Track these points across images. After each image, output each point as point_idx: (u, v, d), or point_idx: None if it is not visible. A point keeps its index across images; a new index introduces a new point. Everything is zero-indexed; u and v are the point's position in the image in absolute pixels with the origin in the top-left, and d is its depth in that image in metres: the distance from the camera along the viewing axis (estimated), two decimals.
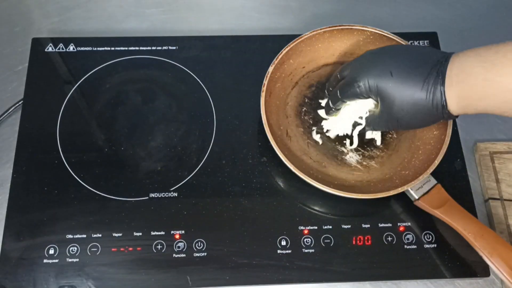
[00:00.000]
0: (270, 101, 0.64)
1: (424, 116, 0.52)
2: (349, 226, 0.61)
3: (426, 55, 0.52)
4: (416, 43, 0.73)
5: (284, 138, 0.65)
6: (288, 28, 0.77)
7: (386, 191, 0.58)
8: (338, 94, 0.58)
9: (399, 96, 0.52)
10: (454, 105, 0.50)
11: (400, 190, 0.58)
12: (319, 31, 0.66)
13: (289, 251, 0.59)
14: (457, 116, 0.52)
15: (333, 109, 0.61)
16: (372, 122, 0.59)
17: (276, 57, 0.64)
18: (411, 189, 0.59)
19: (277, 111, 0.66)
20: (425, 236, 0.60)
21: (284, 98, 0.67)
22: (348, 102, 0.60)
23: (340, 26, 0.67)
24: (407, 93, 0.51)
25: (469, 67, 0.48)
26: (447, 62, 0.50)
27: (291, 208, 0.62)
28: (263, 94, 0.62)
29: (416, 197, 0.59)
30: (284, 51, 0.65)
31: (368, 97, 0.56)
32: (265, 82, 0.63)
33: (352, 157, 0.64)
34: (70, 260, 0.58)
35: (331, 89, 0.62)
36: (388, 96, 0.53)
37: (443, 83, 0.49)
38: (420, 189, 0.59)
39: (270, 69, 0.63)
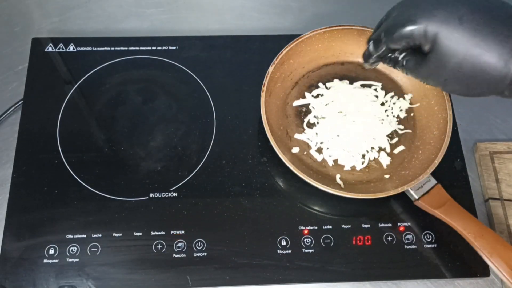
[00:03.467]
0: (270, 101, 0.64)
1: (480, 86, 0.43)
2: (349, 226, 0.61)
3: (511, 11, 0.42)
4: None
5: (284, 138, 0.65)
6: (288, 28, 0.77)
7: (386, 191, 0.58)
8: (382, 36, 0.47)
9: (462, 52, 0.41)
10: None
11: (400, 190, 0.58)
12: (319, 31, 0.66)
13: (289, 251, 0.59)
14: None
15: (374, 58, 0.51)
16: (413, 68, 0.48)
17: (276, 57, 0.64)
18: (411, 189, 0.59)
19: (277, 111, 0.66)
20: (425, 236, 0.60)
21: (284, 98, 0.67)
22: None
23: (340, 26, 0.67)
24: (473, 52, 0.40)
25: None
26: None
27: (291, 208, 0.62)
28: (263, 94, 0.62)
29: (416, 197, 0.59)
30: (284, 51, 0.65)
31: (416, 45, 0.45)
32: (265, 82, 0.63)
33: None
34: (70, 260, 0.58)
35: (373, 34, 0.51)
36: (446, 51, 0.42)
37: None
38: (420, 189, 0.59)
39: (270, 69, 0.64)
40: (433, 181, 0.60)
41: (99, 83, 0.69)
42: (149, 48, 0.71)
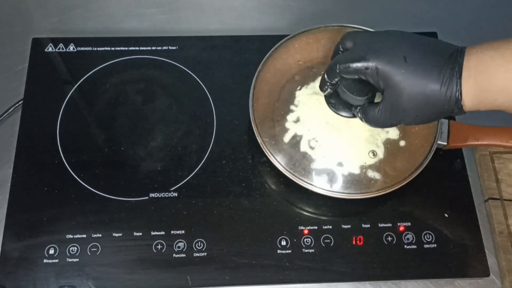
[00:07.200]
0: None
1: (433, 110, 0.48)
2: (349, 226, 0.61)
3: (441, 45, 0.50)
4: None
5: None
6: (288, 28, 0.77)
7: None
8: (337, 68, 0.51)
9: (410, 85, 0.47)
10: (469, 99, 0.47)
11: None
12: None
13: (289, 251, 0.59)
14: (465, 112, 0.49)
15: (328, 84, 0.54)
16: (370, 116, 0.53)
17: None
18: (439, 140, 0.61)
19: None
20: (425, 236, 0.60)
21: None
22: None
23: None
24: (420, 82, 0.47)
25: (489, 59, 0.46)
26: (463, 54, 0.47)
27: (291, 208, 0.62)
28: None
29: (445, 143, 0.61)
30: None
31: (368, 80, 0.50)
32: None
33: None
34: (70, 260, 0.58)
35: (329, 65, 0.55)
36: (398, 84, 0.48)
37: (459, 76, 0.46)
38: (442, 134, 0.62)
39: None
40: (445, 121, 0.62)
41: (99, 83, 0.69)
42: (149, 48, 0.71)
